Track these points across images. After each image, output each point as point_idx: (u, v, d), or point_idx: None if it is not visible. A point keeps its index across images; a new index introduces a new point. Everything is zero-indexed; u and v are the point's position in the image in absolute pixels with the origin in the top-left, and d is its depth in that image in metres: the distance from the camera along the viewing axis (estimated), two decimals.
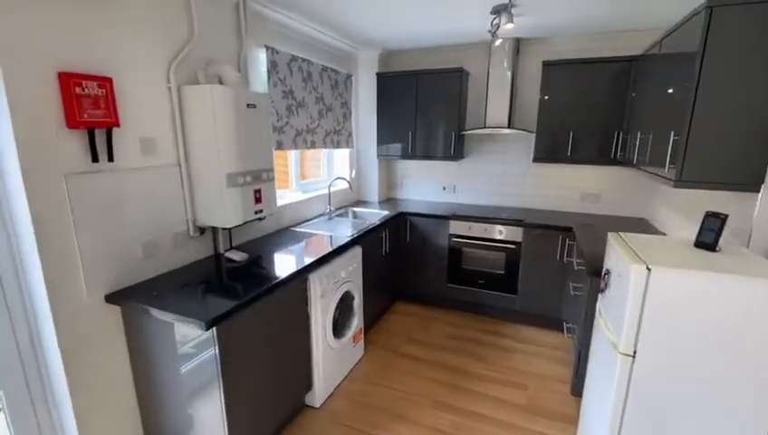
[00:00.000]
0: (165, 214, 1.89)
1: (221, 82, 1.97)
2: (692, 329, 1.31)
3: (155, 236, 1.84)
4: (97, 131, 1.56)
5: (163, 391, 1.73)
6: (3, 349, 1.49)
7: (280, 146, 2.66)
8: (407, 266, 3.53)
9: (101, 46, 1.57)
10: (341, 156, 3.74)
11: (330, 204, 3.27)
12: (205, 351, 1.54)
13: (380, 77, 3.57)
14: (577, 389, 2.20)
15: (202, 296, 1.69)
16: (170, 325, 1.59)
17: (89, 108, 1.51)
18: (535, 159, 3.20)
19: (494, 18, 2.40)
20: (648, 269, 1.32)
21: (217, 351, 1.52)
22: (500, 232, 3.16)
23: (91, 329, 1.61)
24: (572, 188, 3.44)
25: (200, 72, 1.94)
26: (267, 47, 2.45)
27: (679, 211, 2.53)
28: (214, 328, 1.48)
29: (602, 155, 2.97)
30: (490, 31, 2.48)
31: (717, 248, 1.48)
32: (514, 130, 3.23)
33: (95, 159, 1.55)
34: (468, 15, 2.57)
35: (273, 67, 2.52)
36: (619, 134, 2.86)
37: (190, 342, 1.58)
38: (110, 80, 1.57)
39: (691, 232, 2.28)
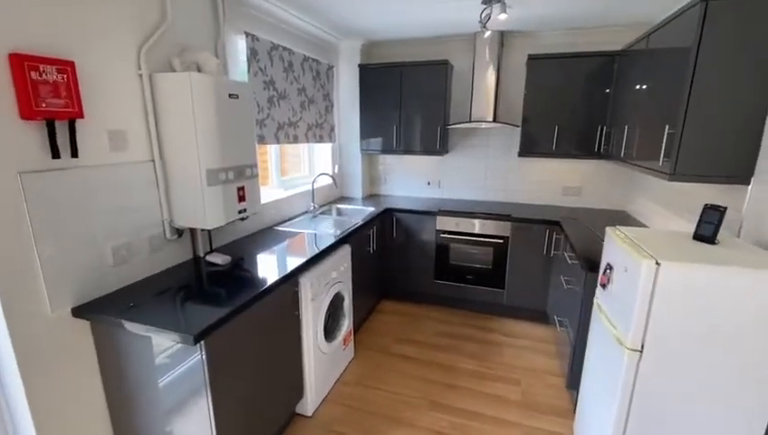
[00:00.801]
0: (138, 215, 1.71)
1: (199, 70, 1.80)
2: (699, 322, 1.31)
3: (127, 241, 1.66)
4: (58, 123, 1.36)
5: (142, 412, 1.56)
6: None
7: (261, 140, 2.50)
8: (394, 264, 3.46)
9: (61, 26, 1.37)
10: (323, 151, 3.60)
11: (313, 201, 3.13)
12: (190, 366, 1.40)
13: (363, 69, 3.45)
14: (572, 383, 2.20)
15: (184, 306, 1.53)
16: (149, 340, 1.43)
17: (47, 96, 1.32)
18: (520, 154, 3.20)
19: (485, 9, 2.34)
20: (658, 264, 1.31)
21: (205, 365, 1.38)
22: (487, 227, 3.14)
23: (56, 347, 1.42)
24: (555, 181, 3.47)
25: (175, 59, 1.76)
26: (247, 34, 2.28)
27: (659, 203, 2.59)
28: (202, 342, 1.34)
29: (586, 149, 3.00)
30: (480, 22, 2.42)
31: (716, 241, 1.49)
32: (499, 124, 3.21)
33: (56, 154, 1.36)
34: (455, 6, 2.49)
35: (252, 55, 2.36)
36: (602, 128, 2.89)
37: (173, 357, 1.43)
38: (71, 64, 1.38)
39: (673, 224, 2.35)
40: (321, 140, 3.33)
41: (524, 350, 2.82)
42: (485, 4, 2.29)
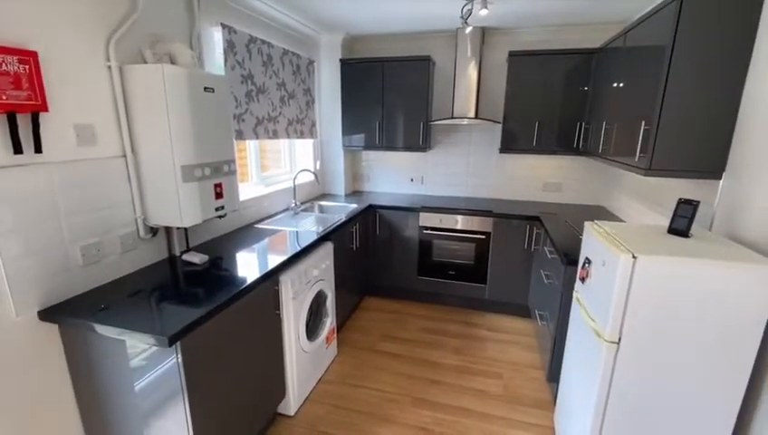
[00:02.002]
0: (109, 213, 1.64)
1: (172, 62, 1.73)
2: (674, 314, 1.34)
3: (98, 240, 1.59)
4: (19, 117, 1.29)
5: (116, 418, 1.50)
6: None
7: (240, 135, 2.44)
8: (377, 260, 3.44)
9: (23, 13, 1.29)
10: (304, 147, 3.55)
11: (295, 198, 3.08)
12: (165, 369, 1.35)
13: (344, 63, 3.41)
14: (553, 375, 2.24)
15: (159, 307, 1.48)
16: (122, 343, 1.38)
17: (7, 88, 1.25)
18: (502, 150, 3.22)
19: (466, 4, 2.34)
20: (634, 258, 1.33)
21: (181, 367, 1.34)
22: (469, 223, 3.16)
23: (22, 353, 1.35)
24: (535, 177, 3.52)
25: (147, 50, 1.69)
26: (223, 25, 2.22)
27: (635, 198, 2.66)
28: (177, 344, 1.29)
29: (565, 145, 3.05)
30: (462, 17, 2.41)
31: (690, 234, 1.53)
32: (481, 121, 3.22)
33: (18, 150, 1.29)
34: (437, 0, 2.48)
35: (229, 48, 2.29)
36: (581, 124, 2.94)
37: (147, 360, 1.37)
38: (33, 54, 1.31)
39: (648, 218, 2.41)
40: (302, 135, 3.28)
41: (506, 344, 2.86)
42: (467, 0, 2.29)
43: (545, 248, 2.58)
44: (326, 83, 3.52)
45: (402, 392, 2.33)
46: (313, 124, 3.48)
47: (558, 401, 2.06)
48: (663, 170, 1.78)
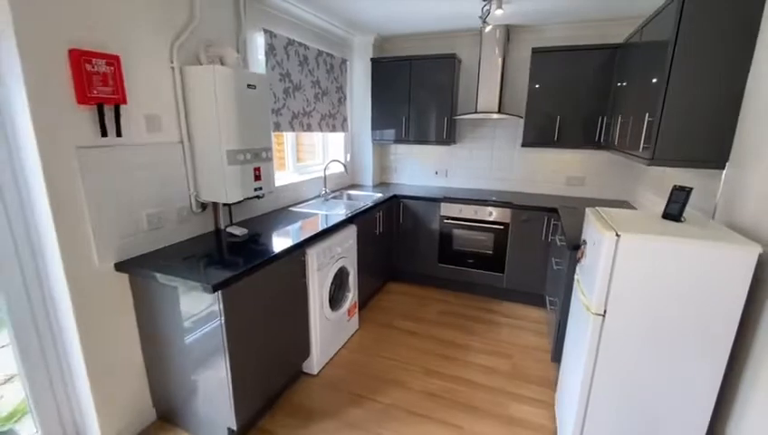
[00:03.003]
0: (169, 189, 1.98)
1: (222, 63, 2.05)
2: (654, 287, 1.45)
3: (160, 210, 1.94)
4: (106, 108, 1.64)
5: (169, 355, 1.84)
6: (17, 307, 1.60)
7: (277, 128, 2.75)
8: (399, 247, 3.66)
9: (109, 25, 1.64)
10: (336, 140, 3.83)
11: (325, 186, 3.37)
12: (211, 316, 1.66)
13: (375, 62, 3.65)
14: (556, 355, 2.36)
15: (206, 266, 1.79)
16: (177, 291, 1.70)
17: (98, 84, 1.60)
18: (524, 144, 3.32)
19: (485, 5, 2.49)
20: (618, 235, 1.46)
21: (223, 315, 1.63)
22: (489, 214, 3.29)
23: (101, 295, 1.71)
24: (558, 172, 3.58)
25: (202, 54, 2.02)
26: (265, 30, 2.53)
27: (659, 193, 2.68)
28: (219, 292, 1.59)
29: (587, 140, 3.10)
30: (481, 17, 2.57)
31: (682, 219, 1.62)
32: (504, 116, 3.34)
33: (104, 133, 1.64)
34: (460, 2, 2.65)
35: (270, 50, 2.60)
36: (602, 119, 2.99)
37: (196, 307, 1.69)
38: (117, 58, 1.65)
39: None
40: (333, 129, 3.56)
41: (520, 329, 2.98)
42: (485, 1, 2.44)
43: (557, 237, 2.67)
44: (357, 81, 3.78)
45: (415, 364, 2.53)
46: (345, 119, 3.75)
47: (558, 378, 2.18)
48: (666, 160, 1.86)
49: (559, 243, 2.55)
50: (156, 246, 1.94)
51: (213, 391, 1.77)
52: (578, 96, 3.06)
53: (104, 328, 1.74)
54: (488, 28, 3.09)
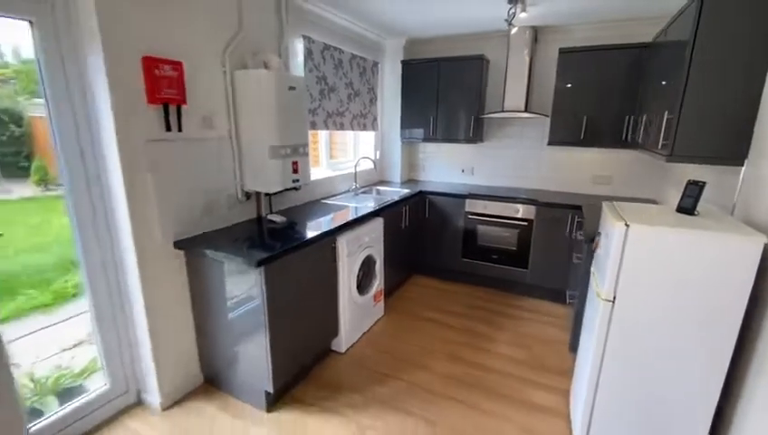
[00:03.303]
0: (219, 179, 2.24)
1: (266, 68, 2.29)
2: (661, 275, 1.53)
3: (211, 197, 2.20)
4: (170, 107, 1.91)
5: (216, 325, 2.10)
6: (95, 279, 1.90)
7: (313, 126, 2.98)
8: (424, 241, 3.80)
9: (175, 36, 1.91)
10: (367, 139, 4.04)
11: (355, 181, 3.58)
12: (254, 290, 1.88)
13: (405, 64, 3.82)
14: (574, 345, 2.43)
15: (251, 246, 2.03)
16: (225, 267, 1.95)
17: (164, 87, 1.87)
18: (550, 143, 3.38)
19: (510, 8, 2.60)
20: (627, 226, 1.55)
21: (264, 290, 1.85)
22: (514, 210, 3.38)
23: (162, 269, 1.99)
24: (584, 170, 3.60)
25: (249, 59, 2.27)
26: (305, 37, 2.76)
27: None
28: (262, 268, 1.81)
29: (614, 139, 3.13)
30: (506, 20, 2.68)
31: (696, 212, 1.68)
32: (531, 115, 3.41)
33: (168, 129, 1.91)
34: (488, 5, 2.78)
35: (308, 55, 2.83)
36: (630, 118, 3.01)
37: (241, 282, 1.92)
38: (180, 64, 1.92)
39: None
40: (364, 128, 3.76)
41: (541, 324, 3.05)
42: (511, 3, 2.56)
43: (579, 232, 2.73)
44: (388, 82, 3.96)
45: (437, 350, 2.68)
46: (375, 118, 3.95)
47: (575, 367, 2.26)
48: (683, 157, 1.91)
49: (580, 237, 2.61)
50: (207, 228, 2.20)
51: (253, 357, 2.00)
52: (605, 95, 3.09)
53: (164, 299, 2.01)
54: (514, 30, 3.18)
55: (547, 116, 3.38)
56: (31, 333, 1.95)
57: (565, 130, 3.29)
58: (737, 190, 1.83)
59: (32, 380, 1.96)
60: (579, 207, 3.07)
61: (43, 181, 3.14)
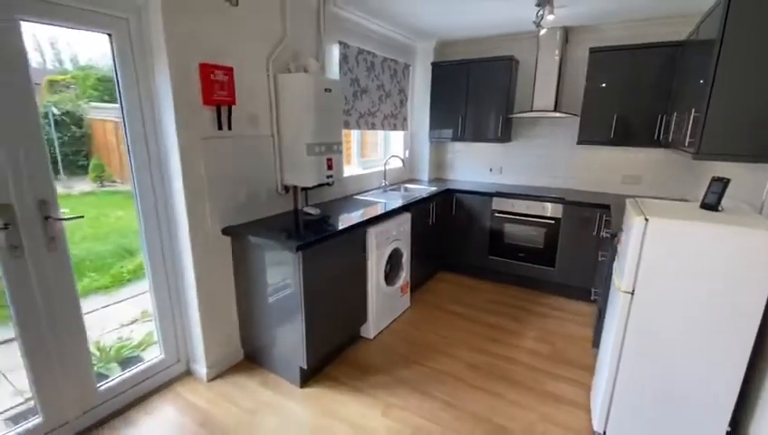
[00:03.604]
0: (262, 173, 2.46)
1: (306, 71, 2.48)
2: (681, 269, 1.58)
3: (254, 190, 2.42)
4: (222, 108, 2.13)
5: (256, 305, 2.31)
6: (155, 261, 2.15)
7: (346, 126, 3.16)
8: (451, 239, 3.90)
9: (227, 44, 2.13)
10: (396, 138, 4.18)
11: (385, 179, 3.73)
12: (292, 273, 2.07)
13: (435, 66, 3.94)
14: (597, 341, 2.46)
15: (290, 234, 2.23)
16: (267, 252, 2.15)
17: (218, 90, 2.09)
18: (579, 142, 3.40)
19: (539, 10, 2.67)
20: (647, 220, 1.61)
21: (301, 273, 2.04)
22: (541, 209, 3.42)
23: (212, 253, 2.21)
24: (614, 170, 3.58)
25: (291, 64, 2.47)
26: (341, 42, 2.95)
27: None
28: (300, 253, 2.00)
29: (646, 138, 3.11)
30: (534, 22, 2.75)
31: (720, 208, 1.71)
32: (560, 114, 3.44)
33: (220, 127, 2.14)
34: (517, 8, 2.86)
35: (343, 59, 3.01)
36: (662, 118, 2.98)
37: (281, 266, 2.12)
38: (231, 69, 2.14)
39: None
40: (395, 128, 3.92)
41: (566, 321, 3.08)
42: (539, 6, 2.63)
43: (605, 230, 2.75)
44: (418, 83, 4.10)
45: (461, 340, 2.78)
46: (405, 118, 4.09)
47: (596, 361, 2.30)
48: (710, 154, 1.92)
49: (605, 235, 2.64)
50: (250, 217, 2.41)
51: (289, 335, 2.19)
52: (636, 94, 3.08)
53: (212, 281, 2.24)
54: (543, 31, 3.23)
55: (577, 115, 3.40)
56: (96, 310, 2.23)
57: (595, 129, 3.29)
58: (766, 188, 1.83)
59: (98, 349, 2.24)
60: (607, 207, 3.08)
61: (100, 178, 3.51)
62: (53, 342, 1.79)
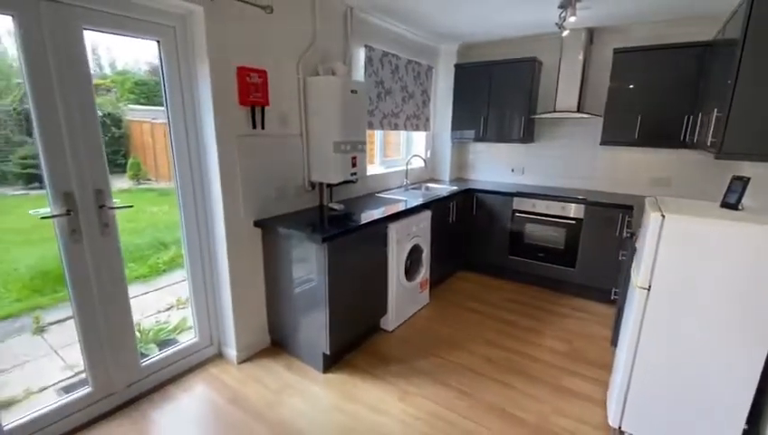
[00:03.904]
0: (291, 170, 2.61)
1: (333, 74, 2.62)
2: (696, 265, 1.60)
3: (284, 185, 2.57)
4: (256, 108, 2.29)
5: (283, 294, 2.45)
6: (193, 251, 2.32)
7: (370, 126, 3.28)
8: (471, 238, 3.95)
9: (261, 48, 2.29)
10: (418, 139, 4.28)
11: (406, 178, 3.83)
12: (317, 263, 2.20)
13: (458, 67, 4.01)
14: (615, 340, 2.47)
15: (316, 227, 2.36)
16: (294, 243, 2.29)
17: (252, 92, 2.25)
18: (603, 142, 3.39)
19: (561, 12, 2.71)
20: (663, 216, 1.64)
21: (327, 263, 2.16)
22: (562, 209, 3.43)
23: (244, 244, 2.37)
24: (640, 171, 3.54)
25: (319, 67, 2.61)
26: (366, 46, 3.07)
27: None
28: (326, 244, 2.12)
29: (671, 139, 3.07)
30: (557, 23, 2.79)
31: (740, 207, 1.72)
32: (584, 115, 3.44)
33: (254, 126, 2.30)
34: (542, 10, 2.90)
35: (369, 62, 3.14)
36: (689, 118, 2.95)
37: (307, 257, 2.25)
38: (265, 72, 2.30)
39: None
40: (417, 128, 4.01)
41: (585, 321, 3.08)
42: (561, 8, 2.67)
43: (626, 231, 2.75)
44: (441, 85, 4.18)
45: (479, 335, 2.84)
46: (427, 119, 4.18)
47: (614, 359, 2.31)
48: (733, 154, 1.93)
49: (626, 234, 2.64)
50: (279, 212, 2.56)
51: (314, 322, 2.32)
52: (662, 95, 3.05)
53: (243, 270, 2.40)
54: (566, 33, 3.25)
55: (600, 116, 3.39)
56: (136, 296, 2.43)
57: (619, 129, 3.28)
58: None
59: (139, 331, 2.43)
60: (630, 207, 3.06)
61: (136, 176, 3.77)
62: (104, 320, 1.99)
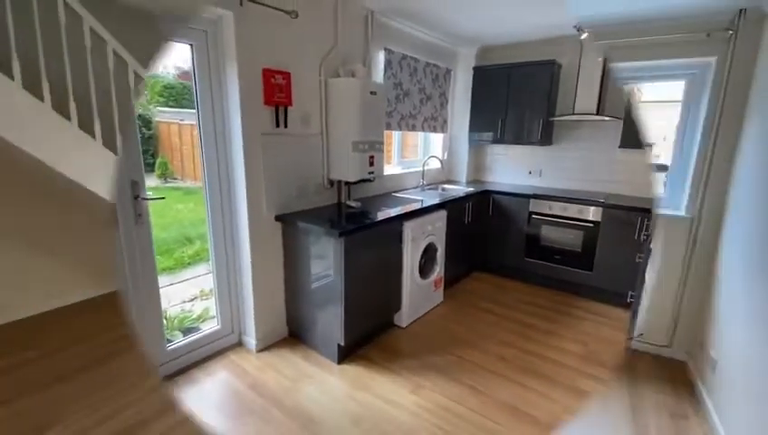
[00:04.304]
0: (311, 168, 2.71)
1: (353, 76, 2.71)
2: None
3: (304, 182, 2.67)
4: (279, 108, 2.41)
5: (301, 287, 2.54)
6: (218, 244, 2.45)
7: (388, 127, 3.36)
8: (487, 239, 3.97)
9: (285, 51, 2.41)
10: (436, 140, 4.33)
11: (423, 178, 3.89)
12: (335, 257, 2.29)
13: (477, 70, 4.05)
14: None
15: (334, 223, 2.45)
16: (313, 238, 2.39)
17: (277, 92, 2.37)
18: (622, 145, 3.37)
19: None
20: None
21: (343, 257, 2.25)
22: (579, 212, 3.41)
23: (266, 238, 2.49)
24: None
25: (340, 69, 2.72)
26: (386, 49, 3.16)
27: None
28: (343, 239, 2.21)
29: None
30: (575, 26, 2.80)
31: None
32: (603, 117, 3.43)
33: (278, 125, 2.41)
34: (560, 13, 2.93)
35: (388, 64, 3.23)
36: None
37: (325, 251, 2.34)
38: (288, 74, 2.41)
39: None
40: (434, 130, 4.07)
41: (601, 325, 3.06)
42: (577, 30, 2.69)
43: (644, 234, 2.73)
44: (459, 87, 4.22)
45: (492, 335, 2.86)
46: (445, 121, 4.23)
47: None
48: None
49: (644, 238, 2.63)
50: (299, 208, 2.67)
51: (330, 314, 2.40)
52: None
53: (264, 263, 2.52)
54: (584, 35, 3.25)
55: (620, 119, 3.37)
56: (163, 287, 2.57)
57: (639, 132, 3.25)
58: None
59: (165, 318, 2.57)
60: (649, 211, 3.03)
61: (164, 175, 3.96)
62: (136, 304, 2.12)
